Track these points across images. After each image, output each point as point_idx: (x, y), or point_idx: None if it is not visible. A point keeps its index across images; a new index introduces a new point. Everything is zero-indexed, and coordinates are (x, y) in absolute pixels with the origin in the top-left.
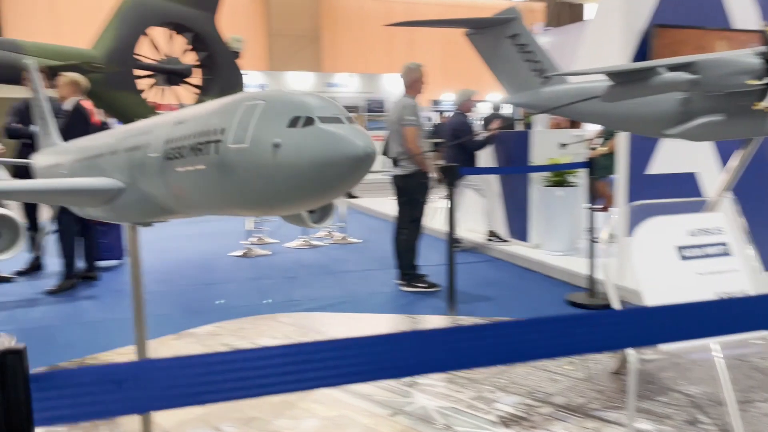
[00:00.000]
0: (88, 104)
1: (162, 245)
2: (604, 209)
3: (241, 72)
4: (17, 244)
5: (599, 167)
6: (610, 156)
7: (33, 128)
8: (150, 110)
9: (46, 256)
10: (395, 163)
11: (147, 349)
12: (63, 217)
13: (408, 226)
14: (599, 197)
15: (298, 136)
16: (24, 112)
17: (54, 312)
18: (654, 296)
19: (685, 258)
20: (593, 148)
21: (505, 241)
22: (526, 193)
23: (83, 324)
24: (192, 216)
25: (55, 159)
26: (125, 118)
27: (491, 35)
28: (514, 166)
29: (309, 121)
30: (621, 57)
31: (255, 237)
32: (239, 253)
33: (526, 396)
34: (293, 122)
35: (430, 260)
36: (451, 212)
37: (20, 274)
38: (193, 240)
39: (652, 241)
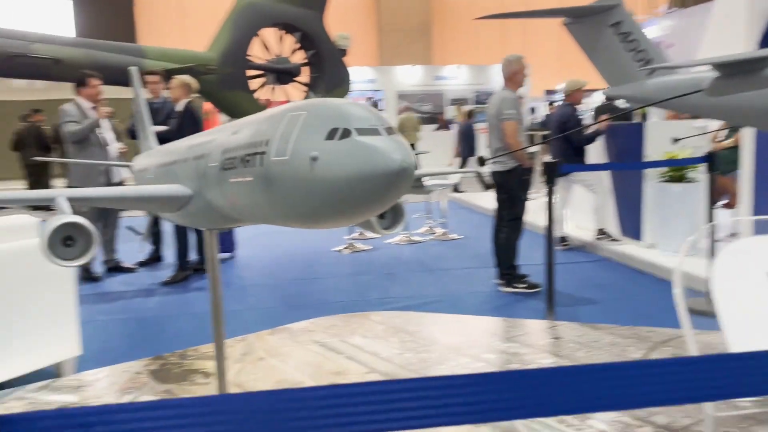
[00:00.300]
0: (208, 106)
1: (271, 239)
2: (729, 206)
3: (348, 69)
4: (90, 250)
5: (724, 161)
6: (735, 149)
7: (154, 129)
8: (262, 109)
9: (164, 248)
10: (483, 160)
11: (224, 348)
12: None
13: (508, 224)
14: (723, 193)
15: (335, 148)
16: None
17: (166, 302)
18: (737, 331)
19: None
20: (718, 141)
21: (616, 240)
22: (640, 188)
23: (191, 315)
24: (253, 224)
25: (145, 163)
26: (239, 118)
27: (591, 24)
28: (626, 161)
29: (346, 133)
30: (746, 42)
31: (357, 232)
32: (341, 247)
33: (625, 413)
34: (331, 134)
35: (533, 259)
36: (550, 210)
37: (141, 264)
38: (301, 234)
39: (738, 266)
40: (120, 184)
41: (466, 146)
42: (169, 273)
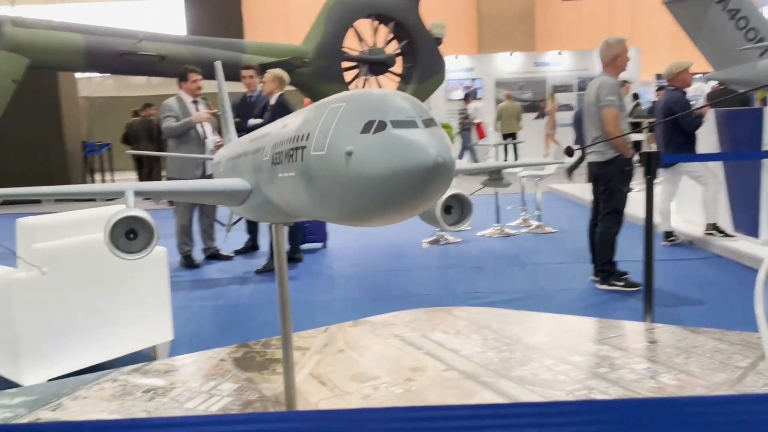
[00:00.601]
0: (306, 100)
1: (362, 229)
2: None
3: (443, 58)
4: (151, 244)
5: None
6: None
7: (250, 122)
8: None
9: (260, 237)
10: (571, 151)
11: (291, 339)
12: None
13: (605, 217)
14: None
15: (369, 143)
16: (241, 107)
17: (258, 290)
18: None
19: None
20: None
21: (728, 235)
22: (758, 180)
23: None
24: (309, 219)
25: (220, 156)
26: None
27: (697, 2)
28: (743, 150)
29: (381, 126)
30: None
31: None
32: (431, 239)
33: None
34: (366, 127)
35: (636, 256)
36: (650, 203)
37: (238, 252)
38: (392, 225)
39: None
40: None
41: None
42: (263, 261)
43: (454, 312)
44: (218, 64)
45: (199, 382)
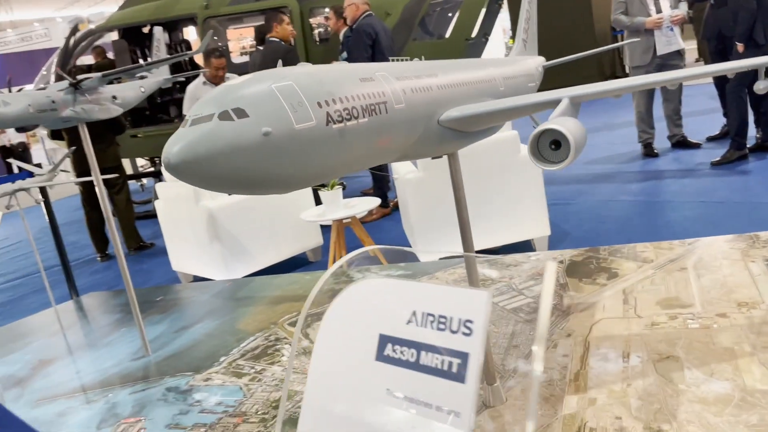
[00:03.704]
0: None
1: None
2: None
3: None
4: (569, 158)
5: None
6: None
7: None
8: None
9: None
10: None
11: (474, 262)
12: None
13: None
14: None
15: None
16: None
17: (694, 186)
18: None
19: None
20: None
21: None
22: None
23: (703, 203)
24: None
25: None
26: None
27: None
28: None
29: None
30: None
31: None
32: None
33: None
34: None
35: None
36: None
37: (710, 139)
38: None
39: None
40: (678, 54)
41: None
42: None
43: None
44: None
45: (522, 280)
